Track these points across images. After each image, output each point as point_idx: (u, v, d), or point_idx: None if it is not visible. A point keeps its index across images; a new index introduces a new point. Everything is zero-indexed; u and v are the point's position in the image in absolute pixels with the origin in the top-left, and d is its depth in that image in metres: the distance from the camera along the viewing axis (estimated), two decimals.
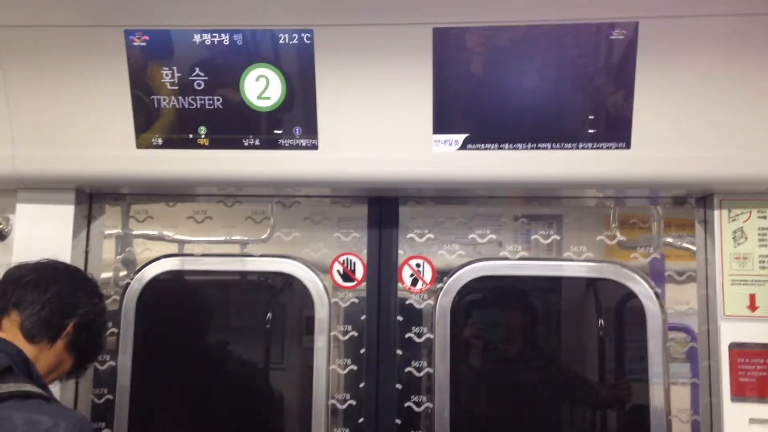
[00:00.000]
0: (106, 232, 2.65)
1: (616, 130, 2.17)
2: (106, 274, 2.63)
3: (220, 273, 2.68)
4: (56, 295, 1.96)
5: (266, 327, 2.61)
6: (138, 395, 2.58)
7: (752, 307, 2.25)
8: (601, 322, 2.49)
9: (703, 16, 2.07)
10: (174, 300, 2.74)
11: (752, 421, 2.21)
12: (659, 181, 2.26)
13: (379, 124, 2.25)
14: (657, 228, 2.47)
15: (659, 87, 2.14)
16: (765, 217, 2.27)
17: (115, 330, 2.58)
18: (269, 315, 2.61)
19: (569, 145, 2.20)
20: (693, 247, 2.43)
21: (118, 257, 2.64)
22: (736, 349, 2.25)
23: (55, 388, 2.38)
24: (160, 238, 2.65)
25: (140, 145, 2.34)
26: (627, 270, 2.45)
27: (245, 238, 2.61)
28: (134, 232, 2.66)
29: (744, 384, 2.23)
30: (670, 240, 2.45)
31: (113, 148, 2.36)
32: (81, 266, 2.57)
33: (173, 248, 2.66)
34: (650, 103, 2.15)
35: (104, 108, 2.33)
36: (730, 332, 2.26)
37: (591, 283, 2.54)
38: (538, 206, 2.53)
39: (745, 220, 2.29)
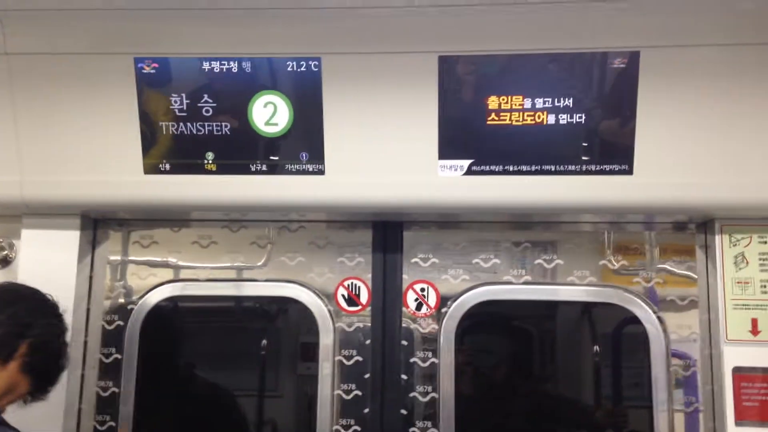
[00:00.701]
0: (111, 257, 2.65)
1: (618, 156, 2.21)
2: (110, 299, 2.63)
3: (221, 299, 2.69)
4: (11, 316, 1.91)
5: (261, 353, 2.61)
6: (141, 421, 2.57)
7: (755, 331, 2.27)
8: (597, 348, 2.51)
9: (704, 46, 2.12)
10: (177, 325, 2.75)
11: None
12: (661, 206, 2.29)
13: (385, 150, 2.28)
14: (657, 254, 2.49)
15: (661, 114, 2.18)
16: (766, 242, 2.30)
17: (118, 356, 2.58)
18: (264, 342, 2.61)
19: (573, 169, 2.23)
20: (694, 275, 2.44)
21: (121, 283, 2.64)
22: (739, 373, 2.26)
23: (57, 412, 2.40)
24: (164, 264, 2.66)
25: (147, 170, 2.36)
26: (630, 294, 2.47)
27: (248, 264, 2.62)
28: (138, 258, 2.66)
29: (747, 408, 2.24)
30: (670, 266, 2.47)
31: (120, 174, 2.38)
32: (85, 292, 2.58)
33: (177, 274, 2.66)
34: (652, 130, 2.19)
35: (112, 134, 2.36)
36: (733, 357, 2.28)
37: (590, 308, 2.56)
38: (540, 232, 2.55)
39: (746, 245, 2.31)
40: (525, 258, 2.55)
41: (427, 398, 2.49)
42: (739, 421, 2.24)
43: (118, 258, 2.66)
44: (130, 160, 2.36)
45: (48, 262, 2.50)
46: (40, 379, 1.97)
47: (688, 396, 2.39)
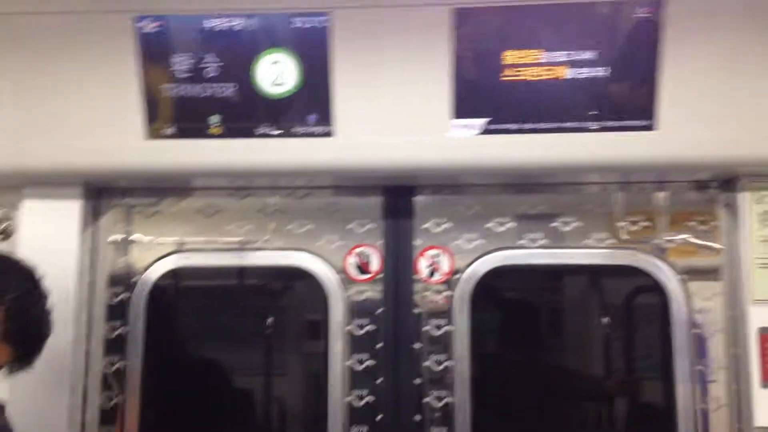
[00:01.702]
0: (114, 228, 2.57)
1: (641, 111, 2.13)
2: (114, 272, 2.56)
3: (227, 269, 2.62)
4: None
5: (267, 331, 2.55)
6: (149, 397, 2.50)
7: None
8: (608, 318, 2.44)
9: None
10: (183, 297, 2.68)
11: None
12: (685, 163, 2.21)
13: (396, 110, 2.21)
14: (679, 215, 2.41)
15: (685, 66, 2.10)
16: None
17: (124, 330, 2.51)
18: (270, 319, 2.55)
19: (593, 126, 2.15)
20: (715, 239, 2.37)
21: (124, 255, 2.57)
22: (766, 333, 2.19)
23: (63, 388, 2.34)
24: (169, 234, 2.58)
25: (150, 135, 2.28)
26: (650, 257, 2.40)
27: (254, 237, 2.54)
28: (142, 229, 2.58)
29: None
30: (692, 227, 2.40)
31: (122, 140, 2.30)
32: (88, 264, 2.50)
33: (182, 245, 2.59)
34: (676, 84, 2.11)
35: (113, 98, 2.28)
36: (760, 317, 2.21)
37: (609, 272, 2.50)
38: (557, 194, 2.47)
39: None
40: (541, 222, 2.47)
41: (442, 367, 2.42)
42: (765, 382, 2.18)
43: (122, 228, 2.58)
44: (131, 125, 2.28)
45: (49, 234, 2.42)
46: (22, 347, 1.87)
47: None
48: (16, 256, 1.96)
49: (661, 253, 2.40)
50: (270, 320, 2.56)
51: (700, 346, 2.34)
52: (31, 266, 1.95)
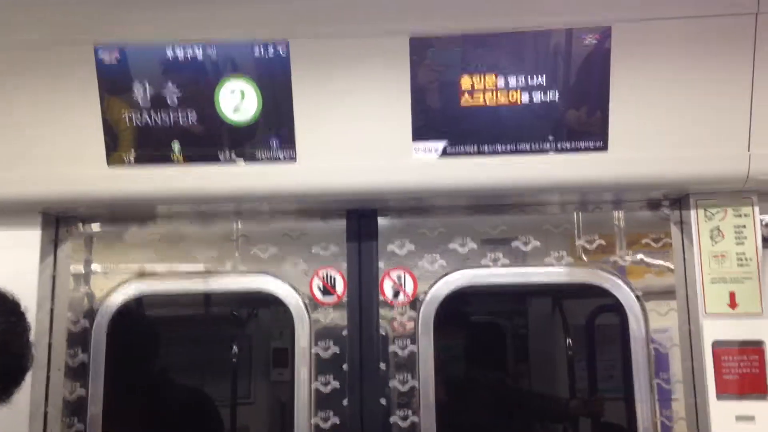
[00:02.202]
0: (74, 256, 2.55)
1: (593, 133, 2.20)
2: (74, 300, 2.53)
3: (191, 297, 2.62)
4: None
5: (233, 360, 2.55)
6: (110, 424, 2.48)
7: (732, 304, 2.27)
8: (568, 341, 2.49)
9: (674, 19, 2.13)
10: (145, 325, 2.67)
11: (738, 418, 2.22)
12: (637, 182, 2.28)
13: (358, 134, 2.24)
14: (631, 233, 2.48)
15: (634, 89, 2.17)
16: (740, 215, 2.31)
17: (85, 358, 2.49)
18: (234, 348, 2.55)
19: (548, 147, 2.21)
20: (667, 263, 2.44)
21: (85, 283, 2.54)
22: (719, 347, 2.26)
23: (23, 416, 2.30)
24: (130, 262, 2.56)
25: (111, 163, 2.28)
26: (608, 274, 2.46)
27: (219, 262, 2.54)
28: (103, 257, 2.57)
29: (729, 381, 2.24)
30: (647, 245, 2.47)
31: (83, 167, 2.30)
32: (48, 292, 2.48)
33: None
34: (626, 105, 2.18)
35: (74, 126, 2.28)
36: (713, 330, 2.27)
37: (567, 292, 2.55)
38: (516, 214, 2.52)
39: (722, 219, 2.32)
40: (502, 242, 2.52)
41: (407, 387, 2.44)
42: (720, 394, 2.24)
43: (82, 256, 2.55)
44: (92, 153, 2.28)
45: (8, 262, 2.39)
46: (3, 380, 1.84)
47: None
48: (2, 289, 1.92)
49: (618, 270, 2.46)
50: (235, 348, 2.56)
51: (659, 361, 2.40)
52: (16, 299, 1.93)
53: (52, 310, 2.49)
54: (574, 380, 2.59)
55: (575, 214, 2.51)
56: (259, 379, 2.62)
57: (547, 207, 2.52)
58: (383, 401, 2.43)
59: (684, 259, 2.40)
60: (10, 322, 1.86)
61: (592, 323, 2.63)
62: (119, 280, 2.56)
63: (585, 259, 2.48)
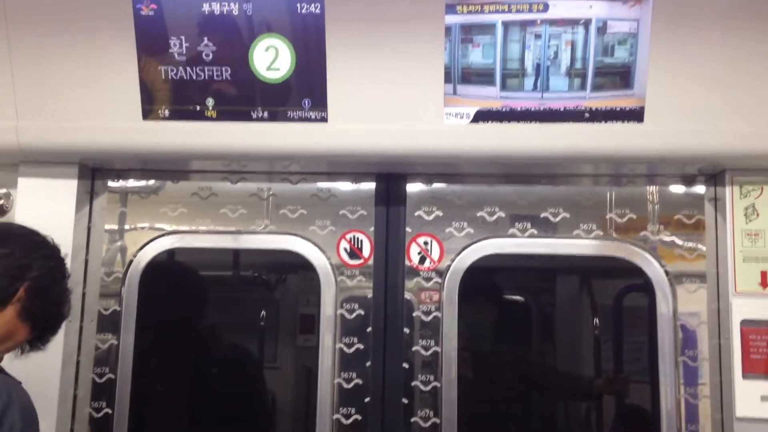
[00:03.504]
0: (109, 207, 2.60)
1: (630, 104, 2.15)
2: (108, 250, 2.59)
3: (219, 258, 2.65)
4: (6, 255, 1.78)
5: (260, 324, 2.58)
6: (140, 376, 2.54)
7: (764, 283, 2.24)
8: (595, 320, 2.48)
9: None
10: (176, 279, 2.71)
11: (764, 398, 2.20)
12: (672, 156, 2.24)
13: (390, 97, 2.23)
14: (664, 209, 2.44)
15: (672, 60, 2.13)
16: None
17: (117, 309, 2.54)
18: (262, 313, 2.58)
19: (583, 116, 2.18)
20: (698, 241, 2.41)
21: (119, 235, 2.60)
22: (748, 326, 2.23)
23: (55, 364, 2.37)
24: (163, 216, 2.61)
25: (146, 116, 2.31)
26: (636, 248, 2.43)
27: (249, 219, 2.57)
28: (137, 209, 2.61)
29: (755, 361, 2.21)
30: (678, 220, 2.43)
31: (119, 120, 2.33)
32: (83, 242, 2.54)
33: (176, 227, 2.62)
34: (663, 77, 2.14)
35: (110, 79, 2.30)
36: (742, 309, 2.24)
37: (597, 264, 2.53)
38: (546, 185, 2.50)
39: (757, 197, 2.27)
40: (530, 211, 2.50)
41: (429, 352, 2.45)
42: (747, 374, 2.21)
43: (116, 209, 2.61)
44: (129, 106, 2.31)
45: (45, 212, 2.44)
46: (40, 326, 1.86)
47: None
48: (42, 233, 1.93)
49: (647, 245, 2.43)
50: (263, 313, 2.59)
51: (687, 339, 2.37)
52: (56, 245, 1.94)
53: (86, 261, 2.55)
54: (599, 360, 2.57)
55: (607, 187, 2.47)
56: (285, 344, 2.64)
57: (578, 178, 2.49)
58: (406, 365, 2.45)
59: (716, 236, 2.36)
60: (49, 267, 1.87)
61: (619, 302, 2.59)
62: (152, 235, 2.60)
63: (615, 234, 2.45)
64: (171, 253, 2.61)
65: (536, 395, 2.66)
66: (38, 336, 1.89)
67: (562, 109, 2.20)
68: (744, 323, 2.23)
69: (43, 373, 2.34)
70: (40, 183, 2.47)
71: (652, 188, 2.46)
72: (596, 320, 2.51)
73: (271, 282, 2.70)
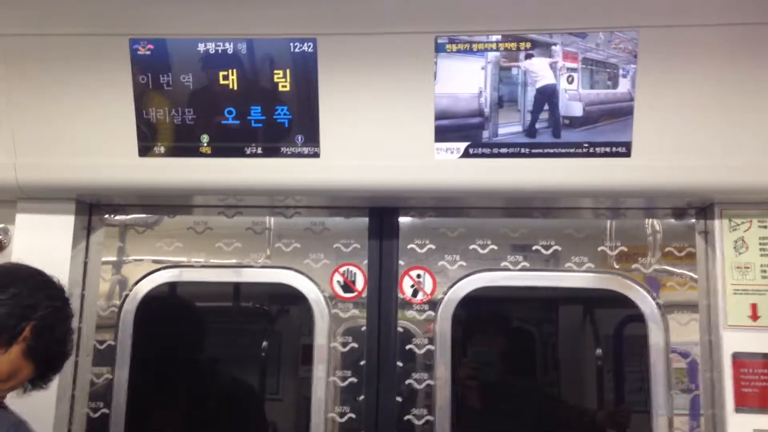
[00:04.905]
0: (106, 243, 2.63)
1: (617, 139, 2.18)
2: (105, 285, 2.61)
3: (217, 291, 2.67)
4: (13, 296, 1.81)
5: (261, 355, 2.59)
6: (134, 410, 2.54)
7: (754, 316, 2.24)
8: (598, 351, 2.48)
9: (702, 26, 2.10)
10: (172, 312, 2.72)
11: (756, 431, 2.19)
12: (660, 190, 2.26)
13: (381, 133, 2.27)
14: (656, 241, 2.46)
15: (660, 96, 2.16)
16: (766, 227, 2.28)
17: (112, 343, 2.56)
18: (264, 343, 2.59)
19: (571, 151, 2.21)
20: (690, 273, 2.42)
21: (116, 270, 2.62)
22: (739, 359, 2.23)
23: (50, 398, 2.37)
24: (160, 250, 2.63)
25: (143, 153, 2.34)
26: (628, 281, 2.44)
27: (245, 253, 2.59)
28: (134, 244, 2.64)
29: (747, 394, 2.21)
30: (670, 253, 2.45)
31: (115, 157, 2.36)
32: (80, 278, 2.56)
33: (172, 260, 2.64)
34: (651, 112, 2.17)
35: (107, 116, 2.35)
36: (733, 342, 2.25)
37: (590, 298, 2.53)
38: (538, 218, 2.52)
39: (746, 230, 2.29)
40: (522, 244, 2.52)
41: (423, 385, 2.46)
42: (739, 407, 2.21)
43: (113, 244, 2.63)
44: (125, 143, 2.35)
45: (42, 247, 2.47)
46: (44, 365, 1.88)
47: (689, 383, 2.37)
48: (47, 274, 1.97)
49: (640, 277, 2.44)
50: (264, 344, 2.60)
51: (691, 372, 2.38)
52: (62, 285, 1.97)
53: (82, 296, 2.58)
54: (601, 390, 2.55)
55: (599, 220, 2.49)
56: (287, 376, 2.65)
57: (569, 212, 2.51)
58: (399, 398, 2.45)
59: (707, 269, 2.38)
60: (55, 307, 1.89)
61: (619, 333, 2.59)
62: (148, 269, 2.62)
63: (607, 266, 2.46)
64: (166, 286, 2.62)
65: (532, 427, 2.65)
66: (41, 375, 1.90)
67: (550, 145, 2.22)
68: (735, 356, 2.23)
69: (38, 408, 2.34)
70: (38, 219, 2.51)
71: (643, 222, 2.47)
72: (598, 350, 2.50)
73: (267, 314, 2.71)
